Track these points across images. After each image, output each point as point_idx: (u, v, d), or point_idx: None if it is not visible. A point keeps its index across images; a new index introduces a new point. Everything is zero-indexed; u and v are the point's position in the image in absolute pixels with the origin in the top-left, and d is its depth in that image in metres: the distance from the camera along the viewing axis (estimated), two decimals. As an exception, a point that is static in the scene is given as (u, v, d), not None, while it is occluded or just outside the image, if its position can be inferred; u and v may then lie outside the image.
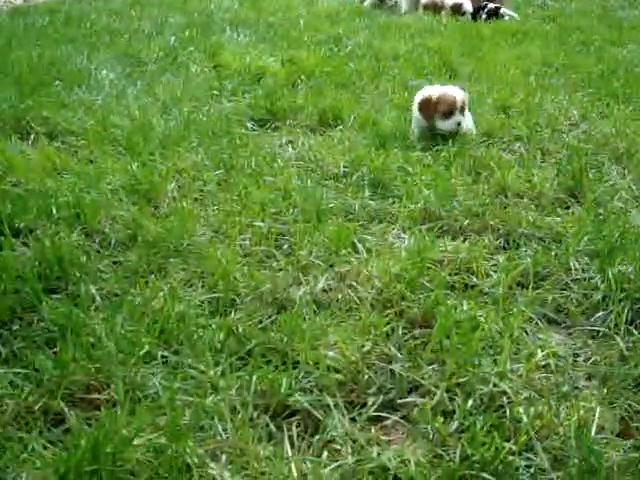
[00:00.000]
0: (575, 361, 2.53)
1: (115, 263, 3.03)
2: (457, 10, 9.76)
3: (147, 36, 7.42)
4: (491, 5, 9.96)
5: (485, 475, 1.94)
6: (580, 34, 8.24)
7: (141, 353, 2.38)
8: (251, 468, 1.97)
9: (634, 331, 2.60)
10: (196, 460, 1.96)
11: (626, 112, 5.15)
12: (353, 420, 2.20)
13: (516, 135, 4.65)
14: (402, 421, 2.21)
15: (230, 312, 2.68)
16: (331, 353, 2.39)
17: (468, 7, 9.76)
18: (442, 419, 2.14)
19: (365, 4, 10.34)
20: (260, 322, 2.61)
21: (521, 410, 2.15)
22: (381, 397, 2.28)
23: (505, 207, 3.57)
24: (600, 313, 2.73)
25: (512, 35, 8.15)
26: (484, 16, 9.71)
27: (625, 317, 2.67)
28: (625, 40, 7.96)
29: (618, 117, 5.02)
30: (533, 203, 3.65)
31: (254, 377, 2.26)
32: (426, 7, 10.17)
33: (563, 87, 5.84)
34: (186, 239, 3.12)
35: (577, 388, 2.38)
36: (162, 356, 2.41)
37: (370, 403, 2.26)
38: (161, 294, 2.69)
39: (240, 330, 2.52)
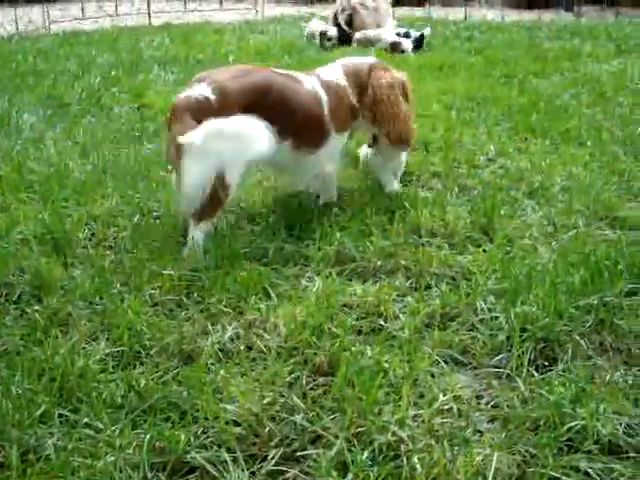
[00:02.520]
0: (478, 403, 2.55)
1: (21, 316, 2.99)
2: (396, 48, 9.93)
3: (73, 77, 7.39)
4: (414, 33, 10.16)
5: (376, 530, 1.93)
6: (505, 66, 8.43)
7: (38, 413, 2.34)
8: (142, 532, 1.94)
9: (534, 373, 2.63)
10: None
11: (543, 146, 5.26)
12: (253, 474, 2.19)
13: (434, 172, 4.72)
14: (302, 475, 2.20)
15: (134, 366, 2.65)
16: (232, 407, 2.38)
17: (407, 45, 9.94)
18: (338, 472, 2.13)
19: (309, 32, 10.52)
20: (163, 375, 2.59)
21: (416, 459, 2.15)
22: (282, 449, 2.27)
23: (417, 247, 3.60)
24: (504, 354, 2.76)
25: (438, 68, 8.31)
26: (410, 46, 9.90)
27: (528, 357, 2.70)
28: (549, 71, 8.16)
29: (535, 151, 5.13)
30: (446, 241, 3.69)
31: (151, 434, 2.23)
32: (359, 42, 10.32)
33: (483, 121, 5.95)
34: (92, 290, 3.08)
35: (479, 432, 2.39)
36: (60, 415, 2.37)
37: (271, 456, 2.24)
38: (63, 350, 2.64)
39: (142, 385, 2.49)
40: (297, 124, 3.79)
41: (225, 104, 3.50)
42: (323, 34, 10.62)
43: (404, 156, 4.48)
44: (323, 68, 4.15)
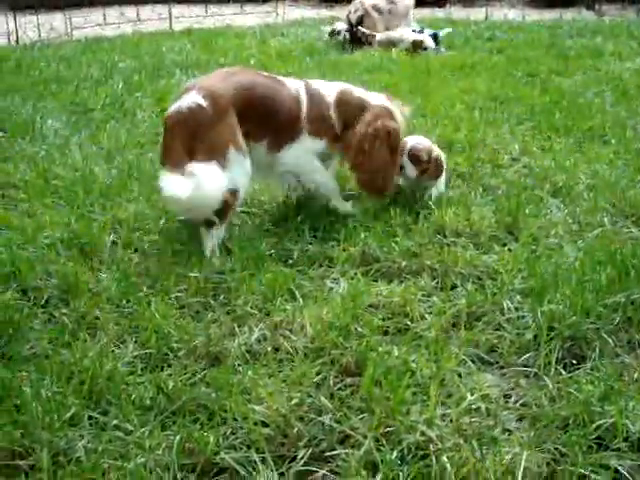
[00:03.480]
0: (506, 402, 2.54)
1: (49, 320, 3.02)
2: (419, 45, 9.92)
3: (95, 83, 7.45)
4: (427, 32, 10.15)
5: (406, 529, 1.93)
6: (527, 65, 8.37)
7: (67, 415, 2.36)
8: (174, 532, 1.96)
9: (562, 371, 2.62)
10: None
11: (566, 145, 5.23)
12: (282, 475, 2.20)
13: (458, 172, 4.70)
14: (330, 474, 2.21)
15: (162, 368, 2.67)
16: (260, 407, 2.39)
17: (430, 43, 9.92)
18: (368, 471, 2.14)
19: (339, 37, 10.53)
20: (191, 377, 2.60)
21: (445, 458, 2.15)
22: (310, 449, 2.28)
23: (442, 246, 3.59)
24: (531, 353, 2.75)
25: (459, 69, 8.28)
26: (433, 44, 9.88)
27: (556, 356, 2.69)
28: (571, 70, 8.09)
29: (558, 150, 5.10)
30: (471, 241, 3.68)
31: (180, 436, 2.25)
32: (380, 43, 10.32)
33: (506, 121, 5.92)
34: (119, 293, 3.11)
35: (507, 430, 2.39)
36: (89, 417, 2.39)
37: (299, 457, 2.25)
38: (91, 352, 2.67)
39: (170, 387, 2.51)
40: (276, 124, 3.79)
41: (218, 108, 3.50)
42: (333, 31, 10.76)
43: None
44: (319, 81, 4.11)
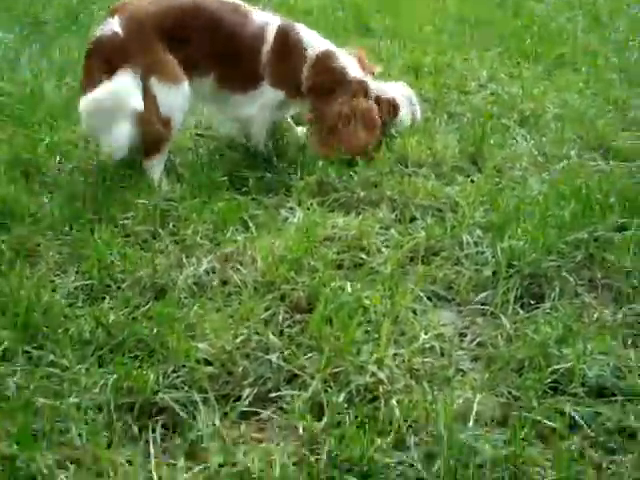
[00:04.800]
0: (461, 342, 2.46)
1: (-13, 247, 2.86)
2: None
3: (50, -6, 7.11)
4: None
5: (351, 477, 1.85)
6: (500, -14, 8.16)
7: (0, 349, 2.23)
8: (105, 476, 1.86)
9: (520, 310, 2.54)
10: (45, 470, 1.84)
11: (535, 72, 5.10)
12: (225, 415, 2.10)
13: (424, 97, 4.55)
14: (275, 416, 2.12)
15: (104, 300, 2.54)
16: (204, 344, 2.28)
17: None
18: (314, 413, 2.05)
19: None
20: (135, 310, 2.48)
21: (394, 402, 2.06)
22: (256, 389, 2.18)
23: (403, 177, 3.46)
24: (489, 290, 2.66)
25: (431, -11, 8.04)
26: None
27: (514, 295, 2.61)
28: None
29: (527, 77, 4.97)
30: (433, 171, 3.55)
31: (118, 373, 2.13)
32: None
33: (476, 45, 5.75)
34: (62, 219, 2.95)
35: (461, 371, 2.31)
36: (24, 352, 2.26)
37: (244, 396, 2.15)
38: (29, 283, 2.53)
39: (111, 320, 2.38)
40: (224, 57, 3.48)
41: (136, 35, 3.22)
42: None
43: None
44: (304, 28, 3.68)
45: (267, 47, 3.54)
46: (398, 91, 4.00)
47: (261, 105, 3.60)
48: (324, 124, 3.62)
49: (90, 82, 3.22)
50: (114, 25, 3.23)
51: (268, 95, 3.60)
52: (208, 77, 3.50)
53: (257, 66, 3.54)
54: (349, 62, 3.71)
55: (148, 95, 3.25)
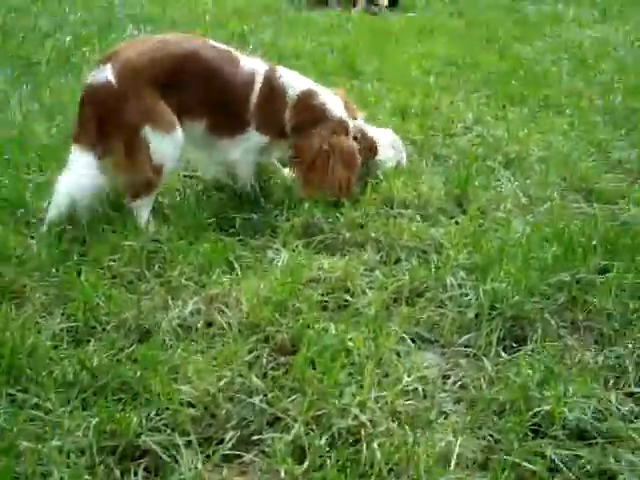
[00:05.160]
0: (444, 384, 2.48)
1: (-26, 289, 2.87)
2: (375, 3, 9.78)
3: (43, 35, 7.17)
4: None
5: (331, 520, 1.86)
6: (486, 30, 8.28)
7: (-16, 392, 2.24)
8: (86, 521, 1.86)
9: (502, 353, 2.56)
10: (26, 515, 1.84)
11: (521, 114, 5.16)
12: (207, 458, 2.11)
13: (410, 139, 4.60)
14: (257, 459, 2.12)
15: (89, 342, 2.55)
16: (187, 387, 2.28)
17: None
18: (296, 457, 2.06)
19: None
20: (119, 353, 2.48)
21: (375, 445, 2.07)
22: (239, 432, 2.19)
23: (389, 218, 3.50)
24: (473, 332, 2.69)
25: (419, 32, 8.15)
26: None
27: (497, 336, 2.63)
28: (530, 37, 8.02)
29: (512, 120, 5.03)
30: (418, 213, 3.59)
31: (101, 416, 2.14)
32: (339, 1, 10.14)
33: (462, 87, 5.83)
34: (49, 261, 2.97)
35: (444, 413, 2.32)
36: (8, 394, 2.27)
37: (227, 439, 2.16)
38: (14, 325, 2.53)
39: (95, 363, 2.39)
40: (216, 104, 3.50)
41: (129, 85, 3.23)
42: None
43: None
44: (286, 71, 3.70)
45: (255, 94, 3.56)
46: (383, 136, 4.04)
47: (245, 149, 3.62)
48: (303, 161, 3.64)
49: (81, 132, 3.27)
50: (107, 73, 3.24)
51: (253, 139, 3.62)
52: (200, 123, 3.51)
53: (246, 112, 3.56)
54: (331, 100, 3.74)
55: (141, 144, 3.27)
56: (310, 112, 3.66)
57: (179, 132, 3.37)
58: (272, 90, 3.60)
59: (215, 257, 3.05)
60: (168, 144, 3.34)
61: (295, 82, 3.68)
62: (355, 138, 3.78)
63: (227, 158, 3.65)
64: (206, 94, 3.46)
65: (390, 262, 3.15)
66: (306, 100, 3.66)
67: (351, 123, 3.78)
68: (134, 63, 3.28)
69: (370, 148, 3.92)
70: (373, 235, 3.34)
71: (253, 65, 3.60)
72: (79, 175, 3.24)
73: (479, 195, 3.75)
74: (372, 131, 3.99)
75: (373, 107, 5.10)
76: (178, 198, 3.60)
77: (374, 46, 7.24)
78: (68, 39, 6.93)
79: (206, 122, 3.53)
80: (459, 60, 6.74)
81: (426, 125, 4.85)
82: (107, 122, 3.24)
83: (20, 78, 5.66)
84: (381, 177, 3.85)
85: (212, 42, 3.63)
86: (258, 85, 3.57)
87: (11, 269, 2.93)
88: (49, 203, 3.26)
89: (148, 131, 3.28)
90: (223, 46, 3.64)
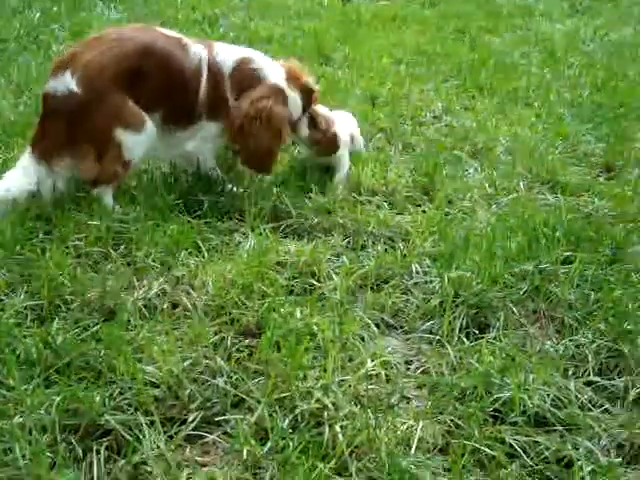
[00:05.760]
0: (407, 369, 2.51)
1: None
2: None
3: (11, 11, 7.07)
4: None
5: (292, 501, 1.88)
6: (458, 21, 8.28)
7: (-55, 369, 2.22)
8: (47, 499, 1.86)
9: (465, 340, 2.59)
10: (-14, 492, 1.83)
11: (490, 105, 5.19)
12: (170, 438, 2.11)
13: (379, 127, 4.62)
14: (220, 440, 2.13)
15: (52, 320, 2.53)
16: (151, 367, 2.29)
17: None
18: (258, 438, 2.07)
19: None
20: (83, 332, 2.48)
21: (338, 428, 2.09)
22: (202, 413, 2.20)
23: (356, 205, 3.52)
24: (436, 319, 2.71)
25: (391, 20, 8.15)
26: None
27: (460, 324, 2.66)
28: (501, 28, 8.04)
29: (481, 110, 5.06)
30: (386, 200, 3.61)
31: (64, 394, 2.13)
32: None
33: (432, 77, 5.84)
34: (14, 239, 2.94)
35: (406, 398, 2.35)
36: (-30, 372, 2.26)
37: (190, 420, 2.17)
38: (-23, 301, 2.52)
39: (59, 341, 2.38)
40: (171, 96, 3.46)
41: (95, 91, 3.20)
42: None
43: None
44: (223, 47, 3.67)
45: (203, 83, 3.53)
46: (340, 117, 4.02)
47: (202, 139, 3.61)
48: (233, 126, 3.57)
49: (41, 142, 3.24)
50: (69, 82, 3.18)
51: (208, 129, 3.61)
52: (157, 115, 3.45)
53: (197, 102, 3.53)
54: (268, 66, 3.69)
55: (113, 145, 3.26)
56: (245, 78, 3.61)
57: (149, 126, 3.35)
58: (215, 74, 3.56)
59: (182, 239, 3.05)
60: (140, 141, 3.34)
61: (229, 54, 3.63)
62: (323, 131, 3.78)
63: (185, 149, 3.63)
64: (162, 85, 3.41)
65: (357, 248, 3.17)
66: (240, 67, 3.61)
67: (292, 93, 3.72)
68: (95, 67, 3.22)
69: (330, 143, 3.85)
70: (340, 221, 3.36)
71: (200, 51, 3.54)
72: (25, 182, 3.19)
73: (446, 184, 3.77)
74: (332, 116, 3.92)
75: (343, 93, 5.10)
76: (145, 179, 3.57)
77: (345, 33, 7.23)
78: (37, 16, 6.83)
79: (162, 113, 3.47)
80: (429, 50, 6.75)
81: (396, 113, 4.87)
82: (76, 130, 3.20)
83: (-13, 55, 5.60)
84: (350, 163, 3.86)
85: (164, 31, 3.59)
86: (205, 72, 3.53)
87: (-26, 246, 2.91)
88: None
89: (120, 132, 3.26)
90: (174, 34, 3.60)
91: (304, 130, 3.80)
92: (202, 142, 3.62)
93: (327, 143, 3.83)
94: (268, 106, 3.54)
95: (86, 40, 3.52)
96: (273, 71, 3.68)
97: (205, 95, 3.53)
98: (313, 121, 3.79)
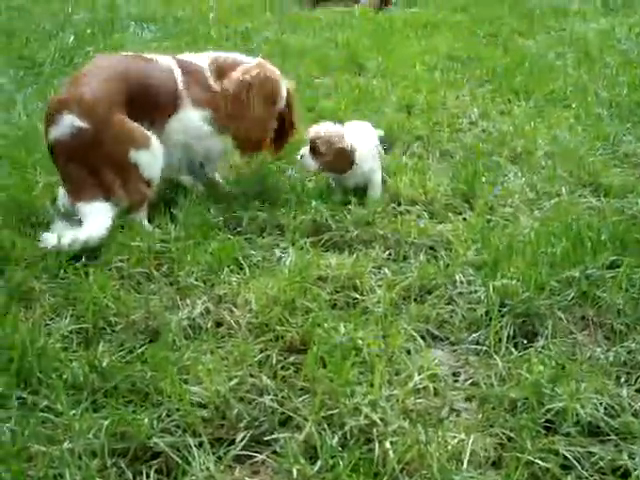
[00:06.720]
0: (455, 381, 2.47)
1: (-18, 291, 2.87)
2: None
3: (46, 35, 7.18)
4: None
5: (344, 520, 1.85)
6: (490, 25, 8.24)
7: (-6, 395, 2.24)
8: (99, 524, 1.86)
9: (513, 350, 2.54)
10: (39, 519, 1.84)
11: (526, 108, 5.14)
12: (219, 459, 2.10)
13: (416, 135, 4.59)
14: (269, 459, 2.12)
15: (98, 343, 2.54)
16: (197, 388, 2.28)
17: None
18: (307, 457, 2.05)
19: None
20: (129, 354, 2.48)
21: (388, 444, 2.06)
22: (250, 432, 2.18)
23: (396, 215, 3.49)
24: (482, 330, 2.67)
25: (422, 27, 8.12)
26: None
27: (507, 333, 2.62)
28: (534, 31, 7.97)
29: (518, 114, 5.01)
30: (425, 210, 3.58)
31: (112, 418, 2.14)
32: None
33: (467, 82, 5.81)
34: (58, 262, 2.96)
35: (455, 411, 2.31)
36: (18, 397, 2.26)
37: (238, 440, 2.16)
38: (23, 327, 2.53)
39: (105, 364, 2.39)
40: (155, 105, 3.54)
41: (101, 121, 3.25)
42: None
43: None
44: (188, 54, 3.86)
45: (178, 75, 3.65)
46: (356, 129, 3.89)
47: (191, 129, 3.68)
48: (226, 99, 3.69)
49: (78, 188, 3.27)
50: (72, 121, 3.22)
51: (191, 113, 3.67)
52: (146, 122, 3.49)
53: (176, 92, 3.63)
54: (245, 57, 3.91)
55: (131, 167, 3.32)
56: (224, 65, 3.80)
57: (154, 141, 3.42)
58: (186, 67, 3.71)
59: (223, 256, 3.05)
60: (152, 156, 3.40)
61: (199, 55, 3.87)
62: (315, 152, 3.67)
63: (178, 139, 3.66)
64: (146, 96, 3.50)
65: (398, 259, 3.14)
66: (217, 60, 3.82)
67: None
68: (89, 98, 3.27)
69: (341, 159, 3.68)
70: (381, 232, 3.33)
71: (167, 60, 3.70)
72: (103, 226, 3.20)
73: (486, 191, 3.73)
74: (340, 130, 3.72)
75: (379, 102, 5.09)
76: (184, 198, 3.58)
77: (377, 42, 7.22)
78: (71, 39, 6.93)
79: (150, 119, 3.52)
80: (463, 55, 6.72)
81: (432, 120, 4.84)
82: (95, 163, 3.25)
83: (25, 78, 5.69)
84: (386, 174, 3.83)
85: (139, 54, 3.72)
86: (176, 69, 3.66)
87: (19, 271, 2.93)
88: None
89: (133, 153, 3.32)
90: (146, 55, 3.73)
91: (310, 164, 3.69)
92: (190, 122, 3.67)
93: (336, 160, 3.65)
94: (261, 72, 3.74)
95: (69, 79, 3.58)
96: (248, 59, 3.88)
97: (184, 88, 3.64)
98: (312, 150, 3.66)
